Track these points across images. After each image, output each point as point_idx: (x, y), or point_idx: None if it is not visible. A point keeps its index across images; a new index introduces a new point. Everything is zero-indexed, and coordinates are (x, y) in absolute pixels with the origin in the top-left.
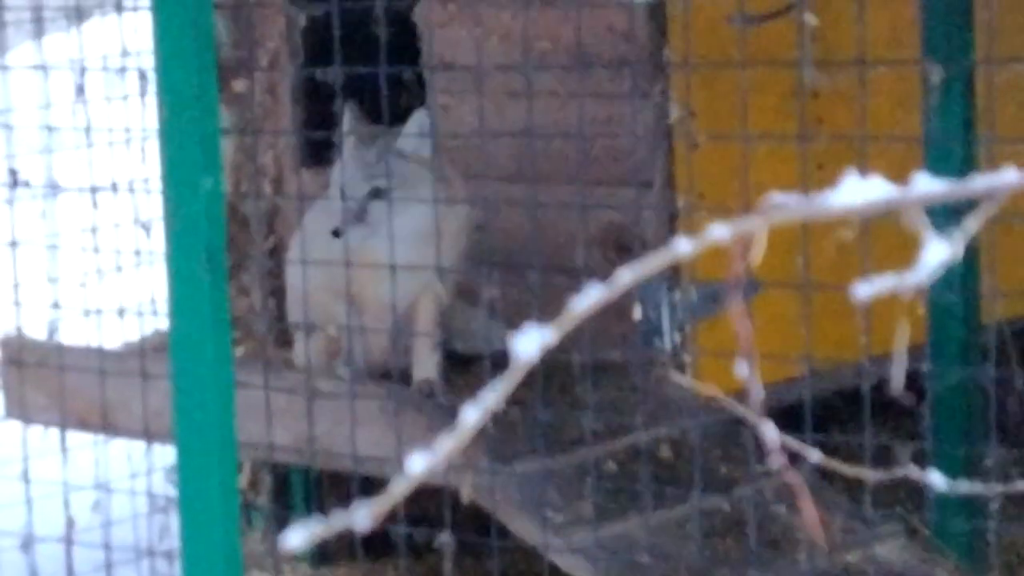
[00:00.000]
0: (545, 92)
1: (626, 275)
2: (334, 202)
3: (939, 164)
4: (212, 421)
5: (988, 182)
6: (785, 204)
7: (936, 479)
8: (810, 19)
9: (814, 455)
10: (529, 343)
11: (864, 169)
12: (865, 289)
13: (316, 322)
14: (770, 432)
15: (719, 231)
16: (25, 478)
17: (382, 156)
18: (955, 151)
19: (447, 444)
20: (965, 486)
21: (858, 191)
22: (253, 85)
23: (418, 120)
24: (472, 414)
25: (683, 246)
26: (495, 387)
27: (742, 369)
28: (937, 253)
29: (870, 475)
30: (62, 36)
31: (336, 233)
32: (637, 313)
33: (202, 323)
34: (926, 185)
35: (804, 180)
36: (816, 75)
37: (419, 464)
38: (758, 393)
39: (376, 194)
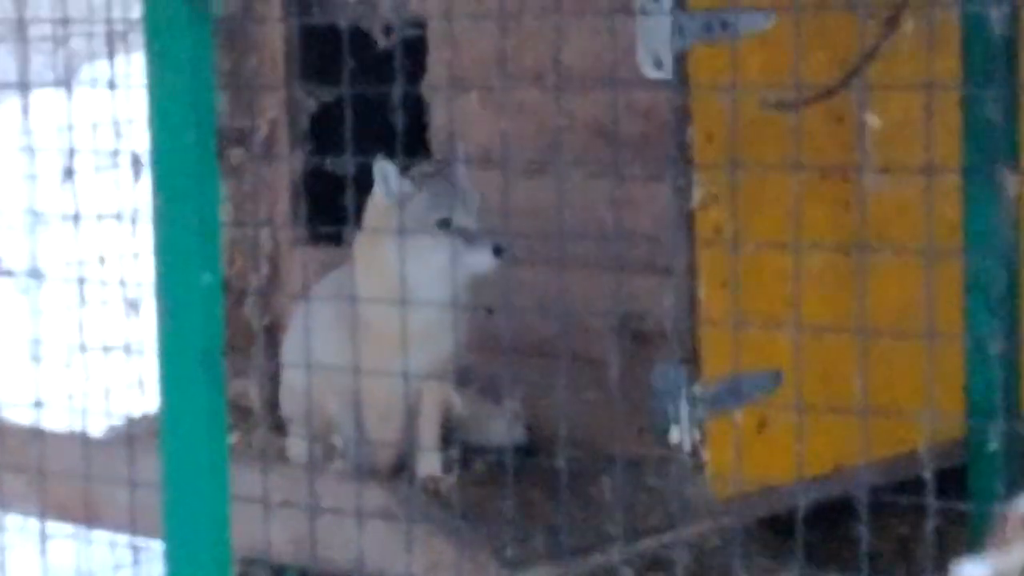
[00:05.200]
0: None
1: None
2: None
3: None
4: (204, 522)
5: None
6: None
7: None
8: (872, 120)
9: None
10: None
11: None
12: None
13: (312, 416)
14: None
15: None
16: None
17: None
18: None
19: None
20: None
21: None
22: (251, 161)
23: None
24: None
25: None
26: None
27: None
28: None
29: None
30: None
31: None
32: (675, 436)
33: (196, 429)
34: None
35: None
36: (877, 181)
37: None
38: None
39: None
